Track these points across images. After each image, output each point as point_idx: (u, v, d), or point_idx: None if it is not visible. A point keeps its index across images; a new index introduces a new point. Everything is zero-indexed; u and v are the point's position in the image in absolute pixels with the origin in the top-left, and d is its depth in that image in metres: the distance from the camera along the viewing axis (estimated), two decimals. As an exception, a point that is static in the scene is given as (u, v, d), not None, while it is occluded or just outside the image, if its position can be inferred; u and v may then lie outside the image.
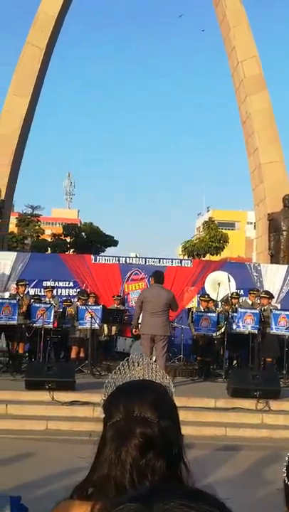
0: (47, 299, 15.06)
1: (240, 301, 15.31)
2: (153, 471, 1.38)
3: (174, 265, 17.99)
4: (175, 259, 20.39)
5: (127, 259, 18.81)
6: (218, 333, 14.41)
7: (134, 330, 12.56)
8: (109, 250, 59.39)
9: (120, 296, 16.85)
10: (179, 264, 18.33)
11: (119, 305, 16.51)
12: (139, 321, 11.91)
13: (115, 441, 1.43)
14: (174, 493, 0.84)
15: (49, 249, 55.14)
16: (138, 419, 1.41)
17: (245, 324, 13.77)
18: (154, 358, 10.25)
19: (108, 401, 1.53)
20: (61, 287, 17.27)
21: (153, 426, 1.40)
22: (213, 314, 14.31)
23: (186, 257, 49.72)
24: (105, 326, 15.51)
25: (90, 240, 58.07)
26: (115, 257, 18.83)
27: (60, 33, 22.01)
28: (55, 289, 16.40)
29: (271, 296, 15.16)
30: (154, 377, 1.58)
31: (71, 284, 17.46)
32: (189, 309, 15.72)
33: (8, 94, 20.30)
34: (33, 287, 16.70)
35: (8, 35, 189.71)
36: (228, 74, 22.13)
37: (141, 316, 11.74)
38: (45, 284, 16.88)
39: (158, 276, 12.00)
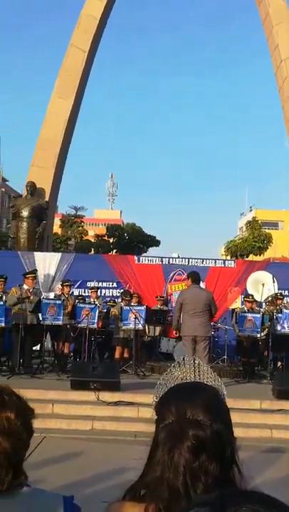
0: (91, 300, 15.18)
1: (285, 301, 15.13)
2: (206, 474, 1.38)
3: (217, 266, 17.90)
4: (218, 260, 20.27)
5: (170, 259, 18.81)
6: (262, 334, 14.27)
7: (175, 332, 12.55)
8: (152, 250, 59.43)
9: (163, 296, 16.86)
10: (223, 265, 18.23)
11: (162, 306, 16.52)
12: (180, 323, 11.88)
13: (168, 444, 1.43)
14: (247, 498, 0.83)
15: (92, 249, 55.51)
16: (191, 421, 1.41)
17: (291, 325, 13.61)
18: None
19: (160, 403, 1.53)
20: (105, 288, 17.38)
21: (206, 428, 1.40)
22: (258, 315, 14.17)
23: (229, 258, 49.37)
24: (149, 326, 15.54)
25: (132, 240, 58.20)
26: (158, 257, 18.85)
27: (102, 35, 22.15)
28: (99, 290, 16.52)
29: (317, 297, 14.93)
30: (205, 379, 1.59)
31: (115, 284, 17.56)
32: (233, 310, 15.61)
33: (52, 96, 20.54)
34: (77, 288, 16.86)
35: (53, 38, 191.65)
36: (271, 72, 21.92)
37: (181, 318, 11.69)
38: (89, 284, 17.03)
39: (195, 276, 11.92)
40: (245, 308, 14.70)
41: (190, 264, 17.91)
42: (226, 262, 19.95)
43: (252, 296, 14.97)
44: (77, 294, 16.43)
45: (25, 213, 19.03)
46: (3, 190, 67.80)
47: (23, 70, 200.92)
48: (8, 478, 1.71)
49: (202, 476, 1.37)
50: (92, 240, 62.57)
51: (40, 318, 13.41)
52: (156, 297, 16.75)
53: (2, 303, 13.12)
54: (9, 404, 1.76)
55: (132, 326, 14.01)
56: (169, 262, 18.17)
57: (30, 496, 1.75)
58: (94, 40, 20.89)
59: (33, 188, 19.34)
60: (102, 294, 16.91)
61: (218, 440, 1.39)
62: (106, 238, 61.48)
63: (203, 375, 1.59)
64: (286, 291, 16.12)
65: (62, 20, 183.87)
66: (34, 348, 14.35)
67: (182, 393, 1.50)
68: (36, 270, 15.47)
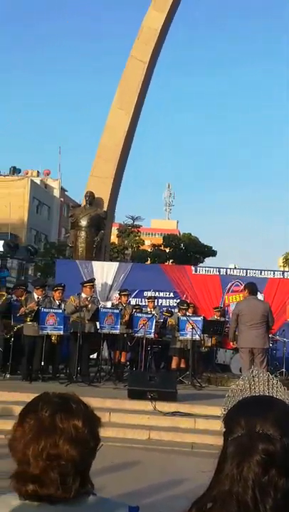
0: (148, 309, 15.21)
1: None
2: (276, 489, 1.35)
3: (276, 277, 17.67)
4: (277, 271, 20.01)
5: (228, 270, 18.67)
6: None
7: (231, 343, 12.43)
8: (208, 261, 59.15)
9: (221, 307, 16.74)
10: (281, 276, 17.99)
11: (219, 317, 16.40)
12: (237, 334, 11.75)
13: (237, 457, 1.41)
14: None
15: (149, 259, 55.65)
16: (260, 435, 1.39)
17: None
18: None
19: (229, 415, 1.51)
20: (161, 297, 17.40)
21: (276, 443, 1.37)
22: None
23: (287, 269, 48.61)
24: (205, 337, 15.45)
25: (189, 250, 58.07)
26: (216, 268, 18.75)
27: (162, 47, 22.29)
28: (156, 300, 16.53)
29: None
30: (275, 393, 1.56)
31: (171, 294, 17.56)
32: (292, 322, 15.36)
33: (112, 107, 20.78)
34: (134, 297, 16.93)
35: (114, 50, 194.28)
36: None
37: (238, 329, 11.57)
38: (146, 294, 17.08)
39: (252, 287, 11.78)
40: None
41: (248, 275, 17.75)
42: (285, 273, 19.65)
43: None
44: (134, 303, 16.49)
45: (83, 223, 19.27)
46: (62, 200, 68.84)
47: (83, 81, 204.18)
48: (76, 486, 1.72)
49: (272, 491, 1.35)
50: (149, 250, 62.73)
51: (98, 327, 13.52)
52: (214, 308, 16.65)
53: (61, 311, 13.30)
54: (77, 412, 1.77)
55: (188, 336, 13.95)
56: (226, 273, 18.06)
57: (97, 504, 1.76)
58: (154, 51, 21.03)
59: (91, 198, 19.58)
60: (159, 304, 16.92)
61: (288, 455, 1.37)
62: (162, 248, 61.54)
63: (273, 388, 1.57)
64: None
65: (121, 33, 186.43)
66: (91, 356, 14.48)
67: (252, 406, 1.48)
68: (94, 279, 15.63)
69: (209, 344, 15.82)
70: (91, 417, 1.80)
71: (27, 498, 1.70)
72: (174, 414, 10.22)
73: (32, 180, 62.95)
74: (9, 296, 14.54)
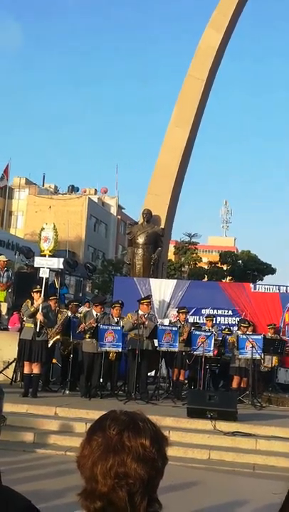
0: (207, 327, 15.09)
1: None
2: None
3: None
4: None
5: (288, 288, 18.36)
6: None
7: None
8: (267, 278, 58.43)
9: (275, 324, 16.40)
10: None
11: (273, 334, 16.08)
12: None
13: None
14: None
15: (206, 276, 55.43)
16: None
17: None
18: None
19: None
20: (220, 315, 17.24)
21: None
22: None
23: None
24: (265, 356, 15.18)
25: (247, 267, 57.54)
26: (275, 285, 18.47)
27: (220, 65, 22.33)
28: (214, 317, 16.39)
29: None
30: None
31: (230, 312, 17.38)
32: None
33: (170, 125, 20.90)
34: (192, 315, 16.84)
35: (172, 68, 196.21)
36: None
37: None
38: (204, 311, 16.97)
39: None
40: None
41: (309, 292, 17.40)
42: None
43: None
44: (192, 321, 16.40)
45: (141, 240, 19.35)
46: (119, 217, 69.50)
47: (140, 100, 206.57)
48: (144, 506, 1.70)
49: None
50: (206, 267, 62.51)
51: (156, 344, 13.48)
52: (268, 325, 16.34)
53: (119, 328, 13.35)
54: (144, 431, 1.76)
55: (248, 355, 13.75)
56: (286, 291, 17.75)
57: (165, 524, 1.73)
58: (212, 69, 21.10)
59: (149, 216, 19.66)
60: (217, 322, 16.76)
61: None
62: (219, 265, 61.22)
63: None
64: None
65: (177, 51, 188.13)
66: (149, 374, 14.45)
67: None
68: (151, 296, 15.63)
69: (270, 365, 15.50)
70: (158, 436, 1.78)
71: (95, 516, 1.69)
72: (234, 434, 10.07)
73: (89, 198, 63.88)
74: (70, 313, 14.69)
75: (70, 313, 14.44)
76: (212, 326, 15.32)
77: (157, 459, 1.74)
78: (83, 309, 15.52)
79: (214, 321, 16.00)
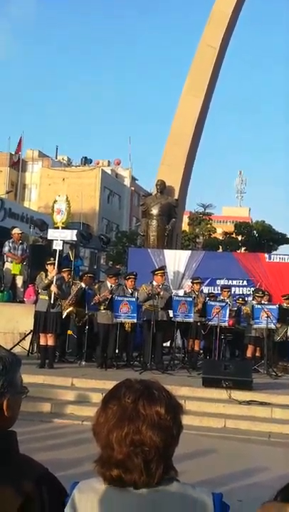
0: (222, 298, 15.09)
1: None
2: None
3: None
4: None
5: (303, 257, 18.25)
6: None
7: None
8: (282, 248, 58.11)
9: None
10: None
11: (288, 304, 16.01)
12: None
13: None
14: None
15: (220, 247, 55.23)
16: None
17: None
18: None
19: None
20: (234, 286, 17.23)
21: None
22: None
23: None
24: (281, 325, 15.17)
25: (262, 238, 57.25)
26: (290, 255, 18.36)
27: (233, 32, 21.94)
28: (230, 288, 16.37)
29: None
30: None
31: (245, 282, 17.37)
32: None
33: (183, 94, 20.65)
34: (206, 285, 16.83)
35: (184, 36, 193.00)
36: None
37: None
38: (218, 282, 16.96)
39: None
40: None
41: None
42: None
43: None
44: (207, 291, 16.40)
45: (154, 211, 19.28)
46: (133, 189, 69.27)
47: (152, 70, 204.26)
48: (159, 472, 1.71)
49: None
50: (221, 238, 62.27)
51: (171, 315, 13.52)
52: (282, 296, 16.26)
53: (134, 299, 13.38)
54: (159, 399, 1.76)
55: (263, 325, 13.76)
56: (302, 260, 17.66)
57: (181, 490, 1.75)
58: (225, 36, 20.75)
59: (162, 187, 19.55)
60: (232, 292, 16.75)
61: None
62: (234, 236, 60.94)
63: None
64: None
65: (193, 18, 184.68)
66: (165, 344, 14.51)
67: None
68: (165, 267, 15.62)
69: (285, 335, 15.48)
70: (173, 404, 1.79)
71: (111, 483, 1.71)
72: (249, 403, 10.12)
73: (103, 170, 63.65)
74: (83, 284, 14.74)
75: (83, 285, 14.47)
76: (228, 297, 15.32)
77: (172, 427, 1.75)
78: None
79: (230, 292, 15.99)
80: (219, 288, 16.53)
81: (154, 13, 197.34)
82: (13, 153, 48.95)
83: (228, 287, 15.96)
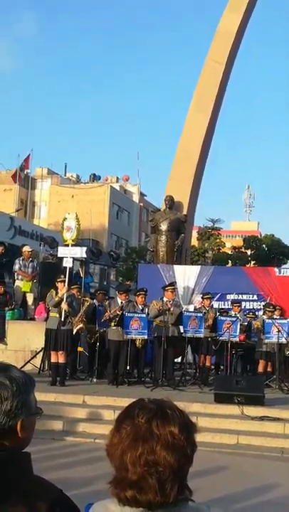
0: (233, 313, 15.05)
1: None
2: None
3: None
4: None
5: (313, 271, 18.18)
6: None
7: None
8: (292, 262, 57.93)
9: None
10: None
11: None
12: None
13: None
14: None
15: (230, 262, 55.17)
16: None
17: None
18: None
19: None
20: (245, 300, 17.17)
21: None
22: None
23: None
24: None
25: (271, 251, 57.15)
26: (301, 269, 18.30)
27: (239, 48, 22.08)
28: (240, 303, 16.32)
29: None
30: None
31: (255, 297, 17.29)
32: None
33: (190, 110, 20.75)
34: (216, 300, 16.78)
35: (191, 52, 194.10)
36: None
37: None
38: (228, 297, 16.91)
39: None
40: None
41: None
42: None
43: None
44: (217, 306, 16.36)
45: (163, 227, 19.31)
46: (142, 204, 69.42)
47: (161, 87, 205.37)
48: (174, 493, 1.71)
49: None
50: (230, 252, 62.23)
51: (182, 331, 13.49)
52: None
53: (144, 315, 13.37)
54: (172, 419, 1.76)
55: (274, 339, 13.70)
56: (312, 274, 17.58)
57: (196, 510, 1.74)
58: (231, 53, 20.88)
59: (171, 202, 19.59)
60: (243, 307, 16.69)
61: None
62: (243, 250, 60.89)
63: None
64: None
65: (199, 35, 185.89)
66: (176, 360, 14.47)
67: None
68: (175, 282, 15.62)
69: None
70: (187, 424, 1.79)
71: (126, 504, 1.70)
72: (262, 418, 10.06)
73: (111, 187, 63.89)
74: (93, 301, 14.76)
75: (96, 302, 14.50)
76: (239, 312, 15.28)
77: (186, 446, 1.75)
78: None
79: (241, 307, 15.96)
80: (229, 303, 16.48)
81: (163, 27, 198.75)
82: (19, 168, 48.82)
83: (239, 302, 15.93)
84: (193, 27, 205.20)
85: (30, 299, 16.86)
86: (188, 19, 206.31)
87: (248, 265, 49.40)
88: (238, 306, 15.56)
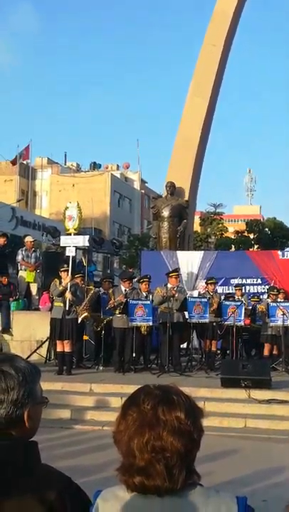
0: (236, 297, 15.05)
1: None
2: None
3: None
4: None
5: (317, 252, 18.14)
6: None
7: None
8: (295, 245, 57.82)
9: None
10: None
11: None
12: None
13: None
14: None
15: (233, 246, 55.12)
16: None
17: None
18: None
19: None
20: (249, 284, 17.16)
21: None
22: None
23: None
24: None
25: (274, 235, 57.07)
26: (304, 251, 18.26)
27: (237, 31, 21.91)
28: (243, 287, 16.32)
29: None
30: None
31: (259, 280, 17.28)
32: None
33: (189, 95, 20.64)
34: (221, 285, 16.78)
35: (191, 36, 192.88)
36: None
37: None
38: (232, 281, 16.90)
39: None
40: None
41: None
42: None
43: None
44: (221, 291, 16.35)
45: (165, 213, 19.27)
46: (143, 191, 69.28)
47: (159, 73, 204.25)
48: (182, 478, 1.71)
49: None
50: (233, 237, 62.14)
51: (187, 317, 13.51)
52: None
53: (149, 302, 13.38)
54: (178, 404, 1.76)
55: (280, 322, 13.71)
56: (316, 256, 17.55)
57: (204, 495, 1.74)
58: (228, 36, 20.72)
59: (172, 188, 19.55)
60: (247, 291, 16.69)
61: None
62: (246, 234, 60.79)
63: None
64: None
65: (192, 19, 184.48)
66: (181, 346, 14.49)
67: None
68: (179, 269, 15.61)
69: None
70: (193, 409, 1.79)
71: (134, 490, 1.71)
72: (269, 401, 10.09)
73: (112, 175, 63.76)
74: (97, 289, 14.77)
75: (102, 290, 14.51)
76: (241, 295, 15.28)
77: (193, 431, 1.75)
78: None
79: (243, 290, 15.95)
80: (233, 287, 16.48)
81: (160, 13, 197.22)
82: (19, 155, 48.10)
83: (241, 285, 15.92)
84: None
85: (34, 289, 16.87)
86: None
87: (251, 249, 49.35)
88: (240, 290, 15.56)
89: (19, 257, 16.60)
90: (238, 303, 14.07)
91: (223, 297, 14.87)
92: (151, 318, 13.23)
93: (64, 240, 14.06)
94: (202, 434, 1.79)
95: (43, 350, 14.23)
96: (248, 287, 16.94)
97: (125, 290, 13.65)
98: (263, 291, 16.58)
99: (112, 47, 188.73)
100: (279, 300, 14.56)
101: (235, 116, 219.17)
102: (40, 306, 16.56)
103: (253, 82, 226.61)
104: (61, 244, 14.46)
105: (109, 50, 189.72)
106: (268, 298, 14.93)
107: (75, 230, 13.79)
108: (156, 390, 1.79)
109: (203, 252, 20.00)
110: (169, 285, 13.45)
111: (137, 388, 1.83)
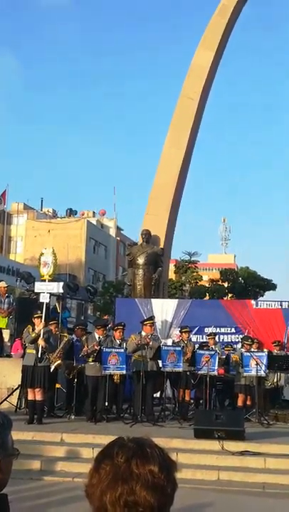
0: (209, 346, 15.02)
1: None
2: None
3: None
4: None
5: (290, 303, 18.28)
6: None
7: None
8: (268, 294, 58.30)
9: (279, 341, 16.27)
10: None
11: (279, 351, 15.96)
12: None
13: None
14: None
15: (207, 294, 55.33)
16: None
17: None
18: None
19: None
20: (223, 333, 17.17)
21: None
22: None
23: None
24: (270, 373, 15.07)
25: (248, 284, 57.50)
26: (277, 301, 18.40)
27: (213, 84, 22.52)
28: (217, 336, 16.31)
29: None
30: None
31: (233, 330, 17.31)
32: None
33: (165, 145, 21.03)
34: (195, 334, 16.76)
35: (166, 89, 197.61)
36: None
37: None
38: (206, 330, 16.90)
39: None
40: None
41: (311, 307, 17.34)
42: None
43: None
44: (195, 340, 16.31)
45: (141, 261, 19.35)
46: (118, 238, 69.60)
47: (137, 122, 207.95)
48: (155, 534, 1.67)
49: None
50: (207, 285, 62.44)
51: (160, 365, 13.41)
52: (273, 342, 16.20)
53: (122, 350, 13.27)
54: (152, 457, 1.73)
55: (253, 372, 13.67)
56: (288, 306, 17.68)
57: None
58: (204, 90, 21.28)
59: (148, 236, 19.69)
60: (221, 340, 16.69)
61: None
62: (220, 283, 61.16)
63: None
64: None
65: (173, 71, 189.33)
66: (155, 395, 14.33)
67: None
68: (154, 317, 15.58)
69: (279, 381, 15.32)
70: (167, 462, 1.76)
71: None
72: (242, 453, 9.97)
73: (88, 221, 64.05)
74: (71, 337, 14.64)
75: (75, 337, 14.38)
76: (214, 344, 15.26)
77: (167, 485, 1.72)
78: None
79: (217, 339, 15.93)
80: (206, 336, 16.46)
81: (136, 65, 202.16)
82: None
83: (214, 334, 15.92)
84: (168, 64, 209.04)
85: (6, 335, 16.67)
86: (165, 55, 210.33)
87: (225, 298, 49.58)
88: (213, 338, 15.55)
89: (-9, 303, 16.42)
90: (212, 352, 14.03)
91: (197, 346, 14.81)
92: (124, 366, 13.11)
93: (38, 286, 13.99)
94: (176, 488, 1.76)
95: (14, 398, 13.96)
96: (222, 336, 16.95)
97: (99, 337, 13.55)
98: (236, 340, 16.59)
99: (93, 95, 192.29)
100: (253, 350, 14.56)
101: (211, 163, 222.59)
102: (12, 353, 16.33)
103: (228, 134, 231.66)
104: (35, 291, 14.38)
105: (93, 100, 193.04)
106: (241, 347, 14.92)
107: (49, 276, 13.75)
108: (130, 442, 1.76)
109: (177, 300, 20.03)
110: (143, 333, 13.40)
111: (111, 440, 1.81)
